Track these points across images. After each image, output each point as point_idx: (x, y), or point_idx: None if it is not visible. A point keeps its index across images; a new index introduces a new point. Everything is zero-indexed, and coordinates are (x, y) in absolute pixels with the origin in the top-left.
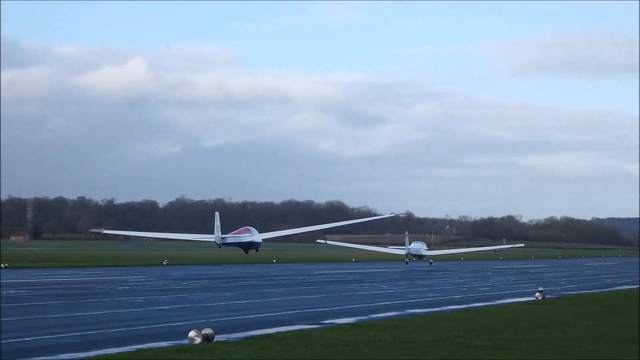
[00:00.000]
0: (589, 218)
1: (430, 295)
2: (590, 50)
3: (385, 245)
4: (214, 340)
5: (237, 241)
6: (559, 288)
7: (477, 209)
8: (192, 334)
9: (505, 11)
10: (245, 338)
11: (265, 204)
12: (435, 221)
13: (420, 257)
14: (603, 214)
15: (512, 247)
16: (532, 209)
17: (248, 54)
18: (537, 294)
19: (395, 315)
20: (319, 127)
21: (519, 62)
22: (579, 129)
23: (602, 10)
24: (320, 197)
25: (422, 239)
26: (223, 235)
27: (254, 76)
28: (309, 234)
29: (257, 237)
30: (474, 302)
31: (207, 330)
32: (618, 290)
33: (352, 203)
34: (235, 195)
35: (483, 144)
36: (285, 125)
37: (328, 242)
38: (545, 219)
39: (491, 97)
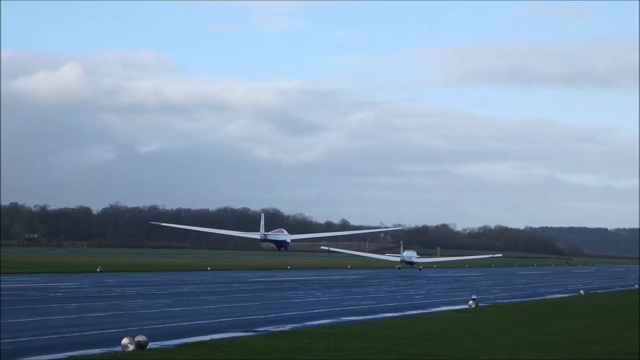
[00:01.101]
0: (522, 227)
1: (365, 302)
2: (525, 60)
3: (320, 252)
4: (147, 347)
5: (274, 239)
6: (491, 296)
7: (411, 217)
8: (125, 341)
9: (442, 21)
10: (179, 345)
11: (201, 210)
12: (370, 229)
13: (411, 263)
14: (536, 223)
15: (490, 257)
16: (466, 218)
17: (185, 61)
18: (471, 302)
19: (329, 322)
20: (256, 134)
21: (455, 71)
22: (514, 139)
23: (537, 22)
24: (256, 204)
25: (357, 247)
26: (266, 233)
27: (190, 83)
28: (247, 240)
29: (288, 237)
30: (408, 310)
31: (141, 338)
32: (550, 299)
33: (288, 210)
34: (170, 202)
35: (419, 153)
36: (222, 132)
37: (331, 249)
38: (479, 228)
39: (427, 106)
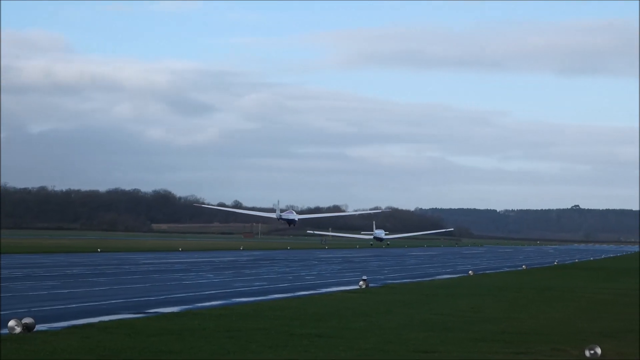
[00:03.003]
0: (412, 208)
1: (257, 284)
2: (419, 43)
3: (215, 233)
4: (35, 329)
5: (287, 218)
6: (382, 277)
7: (304, 199)
8: (11, 323)
9: (337, 3)
10: (68, 327)
11: (91, 192)
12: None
13: (380, 240)
14: (426, 205)
15: (442, 231)
16: (358, 199)
17: (77, 40)
18: (361, 282)
19: (221, 304)
20: (149, 115)
21: (349, 53)
22: (407, 121)
23: (432, 5)
24: (147, 185)
25: (250, 228)
26: (281, 213)
27: (82, 63)
28: (138, 223)
29: (296, 216)
30: (299, 291)
31: (28, 320)
32: (439, 280)
33: (179, 192)
34: (60, 184)
35: (313, 135)
36: (114, 113)
37: (316, 232)
38: (370, 209)
39: (322, 88)
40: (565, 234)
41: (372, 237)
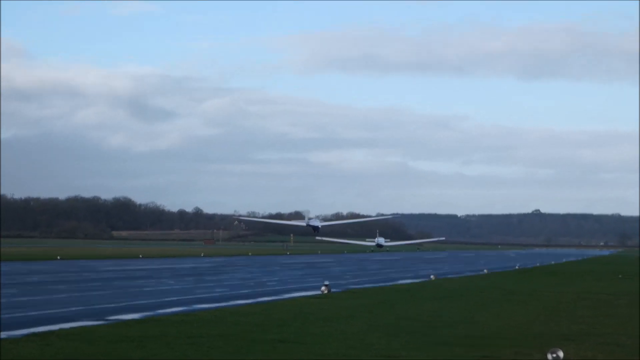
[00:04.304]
0: (373, 214)
1: (218, 290)
2: (379, 47)
3: (175, 240)
4: None
5: (312, 224)
6: (344, 282)
7: (265, 204)
8: None
9: (297, 7)
10: (28, 335)
11: (50, 200)
12: (223, 217)
13: (381, 246)
14: (388, 210)
15: (436, 241)
16: (320, 205)
17: (35, 46)
18: (323, 287)
19: (182, 310)
20: (109, 121)
21: (310, 57)
22: (368, 126)
23: (393, 8)
24: (108, 192)
25: (211, 235)
26: (309, 220)
27: (42, 69)
28: (98, 231)
29: (319, 223)
30: (262, 297)
31: None
32: (401, 284)
33: (140, 198)
34: (18, 191)
35: (274, 140)
36: (74, 119)
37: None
38: (332, 215)
39: (283, 93)
40: (527, 238)
41: (374, 244)
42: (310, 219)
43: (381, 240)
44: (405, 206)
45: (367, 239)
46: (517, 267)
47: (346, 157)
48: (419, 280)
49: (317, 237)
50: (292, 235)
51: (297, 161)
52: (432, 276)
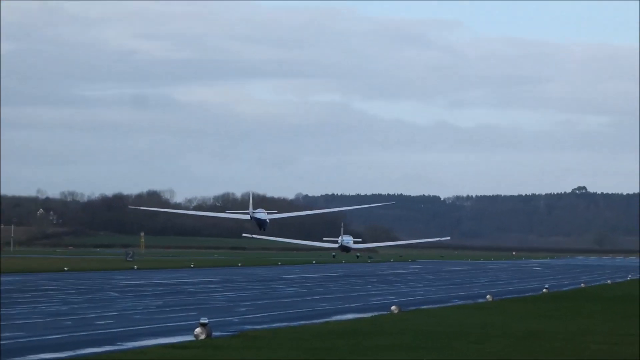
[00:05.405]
0: (291, 195)
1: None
2: None
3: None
4: None
5: (258, 217)
6: (236, 318)
7: (97, 178)
8: None
9: None
10: None
11: None
12: (17, 201)
13: (347, 250)
14: (317, 189)
15: (439, 240)
16: (193, 180)
17: None
18: (198, 329)
19: None
20: None
21: None
22: (281, 39)
23: None
24: None
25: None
26: (253, 213)
27: None
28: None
29: (266, 216)
30: (84, 348)
31: None
32: (337, 322)
33: None
34: None
35: (110, 64)
36: None
37: (254, 236)
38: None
39: None
40: (563, 238)
41: (337, 245)
42: (254, 212)
43: (347, 240)
44: (347, 182)
45: (324, 239)
46: (545, 290)
47: (242, 94)
48: (370, 314)
49: (245, 235)
50: (142, 234)
51: (151, 101)
52: (393, 307)
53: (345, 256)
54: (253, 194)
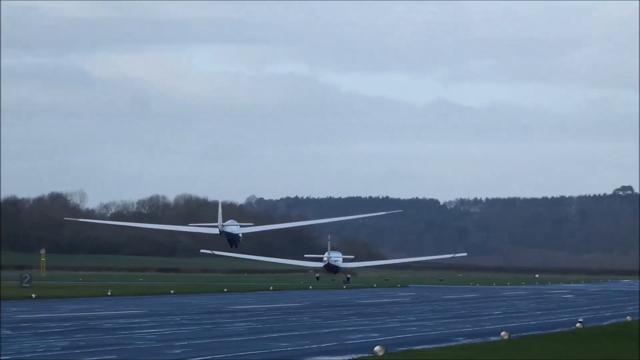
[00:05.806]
0: (242, 201)
1: None
2: None
3: None
4: None
5: (230, 232)
6: None
7: None
8: None
9: None
10: None
11: None
12: None
13: (336, 270)
14: (284, 191)
15: (453, 257)
16: (114, 181)
17: None
18: None
19: None
20: None
21: None
22: None
23: None
24: None
25: None
26: (223, 226)
27: None
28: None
29: (239, 230)
30: None
31: None
32: None
33: None
34: None
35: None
36: None
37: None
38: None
39: None
40: (603, 255)
41: (323, 264)
42: (224, 225)
43: (336, 257)
44: (315, 182)
45: (305, 255)
46: (578, 325)
47: (176, 65)
48: (347, 357)
49: (203, 250)
50: (42, 252)
51: (56, 75)
52: (376, 347)
53: (312, 281)
54: (189, 197)
